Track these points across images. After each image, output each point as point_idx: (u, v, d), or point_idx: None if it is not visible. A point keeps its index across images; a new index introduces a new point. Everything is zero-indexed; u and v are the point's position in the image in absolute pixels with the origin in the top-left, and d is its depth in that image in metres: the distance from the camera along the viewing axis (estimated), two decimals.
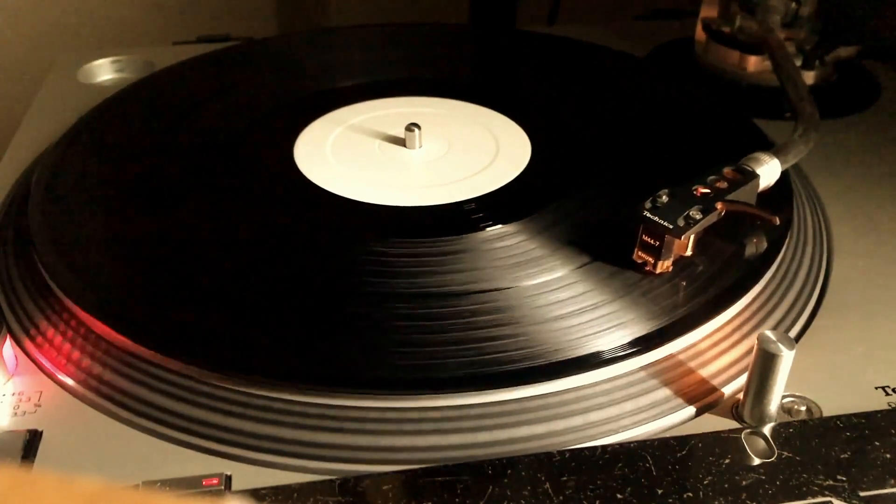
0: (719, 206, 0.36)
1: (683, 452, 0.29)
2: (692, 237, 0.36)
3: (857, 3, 0.58)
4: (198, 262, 0.37)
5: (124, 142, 0.48)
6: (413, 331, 0.33)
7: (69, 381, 0.33)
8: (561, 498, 0.27)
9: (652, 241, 0.35)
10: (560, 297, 0.35)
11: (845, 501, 0.27)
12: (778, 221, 0.37)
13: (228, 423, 0.31)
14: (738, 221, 0.38)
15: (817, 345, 0.36)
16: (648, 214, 0.35)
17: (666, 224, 0.35)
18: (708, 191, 0.37)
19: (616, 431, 0.31)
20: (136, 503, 0.15)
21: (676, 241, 0.35)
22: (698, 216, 0.35)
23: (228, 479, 0.29)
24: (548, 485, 0.28)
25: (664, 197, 0.36)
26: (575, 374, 0.32)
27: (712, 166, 0.38)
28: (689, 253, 0.36)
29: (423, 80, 0.55)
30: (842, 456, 0.29)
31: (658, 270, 0.36)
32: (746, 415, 0.32)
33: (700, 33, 0.60)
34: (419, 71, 0.57)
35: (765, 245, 0.38)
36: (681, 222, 0.35)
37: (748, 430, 0.30)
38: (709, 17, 0.60)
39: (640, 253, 0.36)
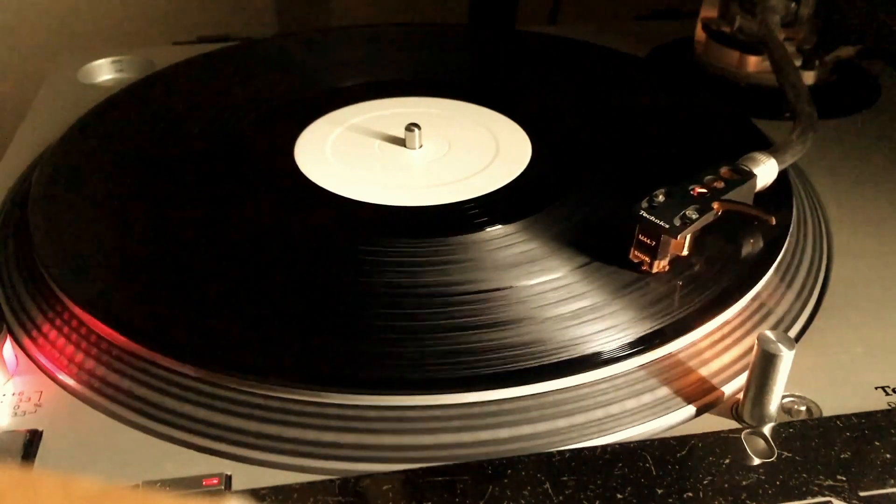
0: (715, 205, 0.36)
1: (683, 452, 0.29)
2: (688, 237, 0.36)
3: (857, 3, 0.58)
4: (198, 262, 0.37)
5: (124, 142, 0.48)
6: (413, 330, 0.33)
7: (69, 381, 0.33)
8: (561, 498, 0.27)
9: (648, 241, 0.35)
10: (560, 297, 0.35)
11: (845, 501, 0.27)
12: (774, 221, 0.37)
13: (228, 422, 0.31)
14: (737, 221, 0.38)
15: (817, 345, 0.36)
16: (644, 214, 0.35)
17: (662, 224, 0.35)
18: (704, 190, 0.37)
19: (616, 431, 0.31)
20: (136, 503, 0.15)
21: (672, 240, 0.35)
22: (694, 216, 0.35)
23: (228, 479, 0.29)
24: (548, 485, 0.28)
25: (660, 196, 0.36)
26: (575, 373, 0.32)
27: (712, 166, 0.38)
28: (685, 252, 0.36)
29: (423, 80, 0.55)
30: (842, 456, 0.29)
31: (654, 270, 0.36)
32: (746, 415, 0.32)
33: (700, 33, 0.60)
34: (419, 71, 0.57)
35: (762, 245, 0.38)
36: (677, 222, 0.35)
37: (748, 430, 0.30)
38: (708, 18, 0.60)
39: (636, 252, 0.36)
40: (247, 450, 0.30)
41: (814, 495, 0.27)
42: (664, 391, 0.32)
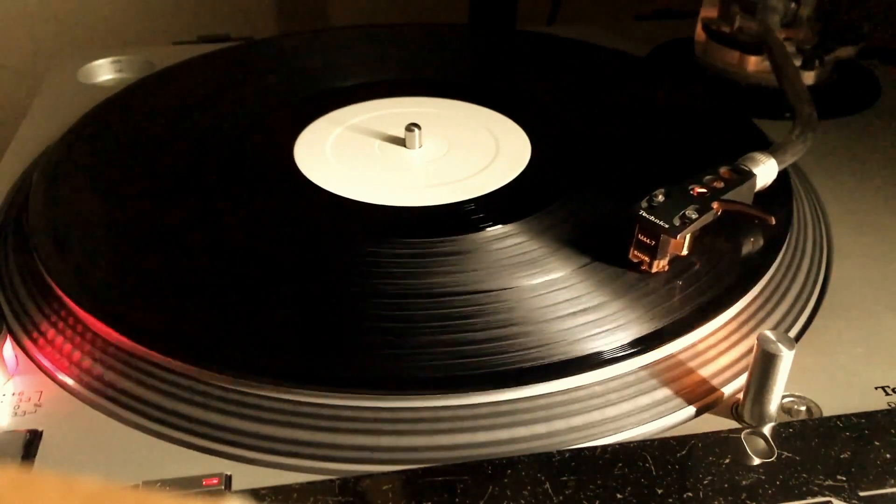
0: (715, 205, 0.36)
1: (683, 452, 0.29)
2: (688, 237, 0.36)
3: (856, 4, 0.58)
4: (198, 262, 0.37)
5: (124, 142, 0.48)
6: (413, 331, 0.33)
7: (69, 381, 0.33)
8: (561, 498, 0.27)
9: (648, 241, 0.35)
10: (560, 297, 0.35)
11: (845, 501, 0.27)
12: (773, 221, 0.37)
13: (228, 423, 0.31)
14: (737, 221, 0.38)
15: (817, 345, 0.36)
16: (644, 214, 0.35)
17: (661, 223, 0.35)
18: (704, 190, 0.37)
19: (616, 431, 0.31)
20: (136, 503, 0.15)
21: (672, 240, 0.35)
22: (694, 216, 0.35)
23: (228, 479, 0.29)
24: (548, 485, 0.28)
25: (660, 196, 0.36)
26: (575, 374, 0.32)
27: (712, 166, 0.38)
28: (685, 252, 0.36)
29: (423, 80, 0.55)
30: (842, 456, 0.29)
31: (654, 270, 0.36)
32: (746, 415, 0.32)
33: (700, 33, 0.60)
34: (419, 71, 0.57)
35: (762, 245, 0.38)
36: (676, 222, 0.35)
37: (748, 430, 0.30)
38: (709, 17, 0.60)
39: (635, 252, 0.36)
40: (247, 450, 0.30)
41: (814, 495, 0.27)
42: (664, 391, 0.32)
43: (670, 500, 0.27)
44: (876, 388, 0.33)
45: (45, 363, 0.34)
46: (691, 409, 0.32)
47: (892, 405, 0.32)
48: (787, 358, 0.30)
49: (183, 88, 0.54)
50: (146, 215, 0.41)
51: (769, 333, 0.30)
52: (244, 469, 0.30)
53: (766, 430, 0.30)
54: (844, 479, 0.28)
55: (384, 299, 0.35)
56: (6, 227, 0.42)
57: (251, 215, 0.40)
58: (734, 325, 0.35)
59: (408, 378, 0.31)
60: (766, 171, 0.39)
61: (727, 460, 0.29)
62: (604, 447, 0.29)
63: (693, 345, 0.34)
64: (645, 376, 0.33)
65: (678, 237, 0.35)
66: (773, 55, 0.51)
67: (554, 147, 0.47)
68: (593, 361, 0.32)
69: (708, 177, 0.37)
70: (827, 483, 0.28)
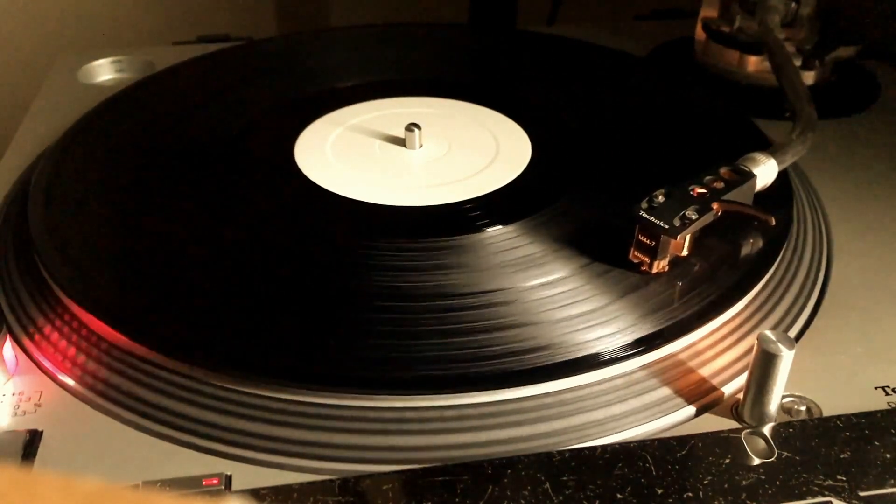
0: (715, 206, 0.36)
1: (683, 452, 0.29)
2: (688, 237, 0.36)
3: (856, 3, 0.58)
4: (198, 261, 0.37)
5: (124, 142, 0.48)
6: (413, 330, 0.33)
7: (69, 381, 0.33)
8: (561, 498, 0.27)
9: (648, 241, 0.35)
10: (559, 298, 0.35)
11: (845, 501, 0.27)
12: (773, 221, 0.37)
13: (228, 423, 0.31)
14: (737, 222, 0.38)
15: (817, 345, 0.36)
16: (644, 214, 0.35)
17: (661, 224, 0.35)
18: (704, 191, 0.37)
19: (616, 431, 0.31)
20: (136, 503, 0.15)
21: (672, 241, 0.35)
22: (694, 216, 0.35)
23: (228, 479, 0.29)
24: (548, 485, 0.28)
25: (660, 197, 0.36)
26: (575, 374, 0.32)
27: (712, 166, 0.38)
28: (685, 253, 0.36)
29: (423, 80, 0.55)
30: (842, 456, 0.29)
31: (654, 270, 0.36)
32: (746, 415, 0.32)
33: (700, 33, 0.60)
34: (419, 71, 0.57)
35: (762, 245, 0.38)
36: (676, 222, 0.35)
37: (748, 430, 0.30)
38: (709, 17, 0.60)
39: (635, 252, 0.36)
40: (247, 450, 0.30)
41: (814, 495, 0.27)
42: (664, 391, 0.32)
43: (670, 500, 0.27)
44: (876, 388, 0.33)
45: (45, 363, 0.34)
46: (691, 409, 0.32)
47: (892, 405, 0.32)
48: (787, 358, 0.30)
49: (183, 88, 0.54)
50: (146, 215, 0.41)
51: (769, 333, 0.30)
52: (244, 469, 0.30)
53: (766, 430, 0.30)
54: (844, 479, 0.28)
55: (384, 299, 0.35)
56: (6, 226, 0.42)
57: (251, 215, 0.40)
58: (734, 325, 0.35)
59: (408, 378, 0.31)
60: (766, 171, 0.39)
61: (727, 460, 0.29)
62: (604, 447, 0.29)
63: (693, 345, 0.34)
64: (645, 376, 0.33)
65: (678, 238, 0.35)
66: (773, 55, 0.51)
67: (554, 147, 0.47)
68: (593, 361, 0.32)
69: (708, 177, 0.37)
70: (827, 483, 0.28)
